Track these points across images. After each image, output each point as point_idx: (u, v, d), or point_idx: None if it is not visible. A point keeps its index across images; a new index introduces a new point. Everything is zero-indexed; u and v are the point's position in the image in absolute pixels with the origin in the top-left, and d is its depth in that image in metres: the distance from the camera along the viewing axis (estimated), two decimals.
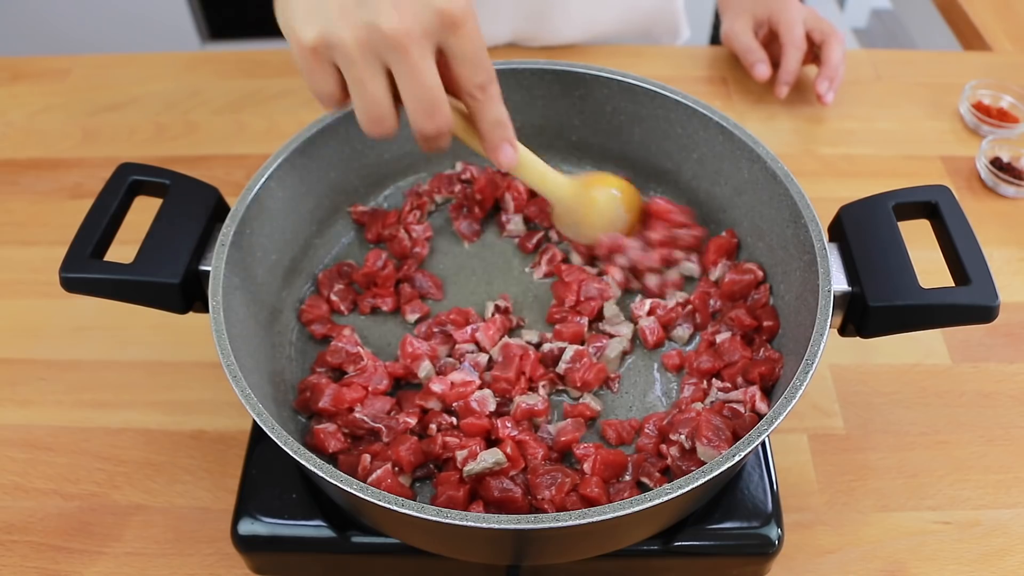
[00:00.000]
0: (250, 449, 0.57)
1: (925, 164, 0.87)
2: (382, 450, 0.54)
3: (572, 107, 0.68)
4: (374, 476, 0.52)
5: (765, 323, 0.59)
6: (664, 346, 0.61)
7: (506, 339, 0.60)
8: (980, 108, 0.90)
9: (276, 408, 0.55)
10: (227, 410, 0.66)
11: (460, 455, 0.52)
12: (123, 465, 0.64)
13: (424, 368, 0.58)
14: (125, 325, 0.72)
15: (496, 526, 0.42)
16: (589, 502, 0.51)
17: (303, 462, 0.44)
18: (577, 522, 0.42)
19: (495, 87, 0.50)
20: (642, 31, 1.05)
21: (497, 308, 0.63)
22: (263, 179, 0.58)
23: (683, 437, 0.52)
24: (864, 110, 0.92)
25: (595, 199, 0.62)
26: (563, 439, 0.55)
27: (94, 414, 0.67)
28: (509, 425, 0.55)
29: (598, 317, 0.62)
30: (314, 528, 0.53)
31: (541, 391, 0.58)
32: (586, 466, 0.53)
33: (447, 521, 0.42)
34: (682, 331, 0.61)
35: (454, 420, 0.56)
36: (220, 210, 0.57)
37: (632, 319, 0.62)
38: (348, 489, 0.43)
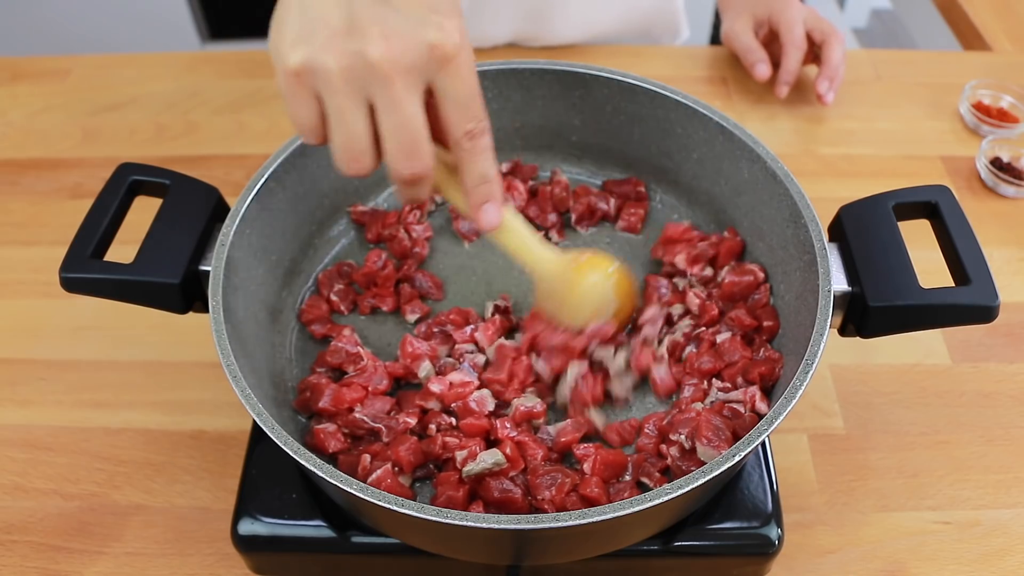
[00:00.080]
0: (250, 449, 0.57)
1: (925, 164, 0.87)
2: (382, 450, 0.54)
3: (572, 107, 0.68)
4: (374, 476, 0.52)
5: (765, 323, 0.59)
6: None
7: (501, 340, 0.59)
8: (980, 108, 0.90)
9: (276, 408, 0.55)
10: (227, 410, 0.66)
11: (460, 455, 0.52)
12: (123, 465, 0.64)
13: (424, 368, 0.58)
14: (125, 325, 0.72)
15: (496, 526, 0.42)
16: (589, 502, 0.51)
17: (303, 462, 0.44)
18: (577, 522, 0.42)
19: (487, 139, 0.46)
20: (642, 31, 1.05)
21: (497, 308, 0.63)
22: (263, 179, 0.58)
23: (683, 437, 0.52)
24: (864, 110, 0.92)
25: (582, 281, 0.57)
26: (563, 440, 0.55)
27: (94, 414, 0.67)
28: (508, 426, 0.55)
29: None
30: (314, 528, 0.53)
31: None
32: (586, 466, 0.53)
33: (447, 521, 0.42)
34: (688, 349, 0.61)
35: (453, 420, 0.56)
36: (220, 210, 0.57)
37: (636, 367, 0.59)
38: (348, 489, 0.43)
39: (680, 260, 0.64)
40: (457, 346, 0.60)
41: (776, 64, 0.91)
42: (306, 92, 0.43)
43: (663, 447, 0.54)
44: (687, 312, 0.62)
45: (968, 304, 0.50)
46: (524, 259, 0.55)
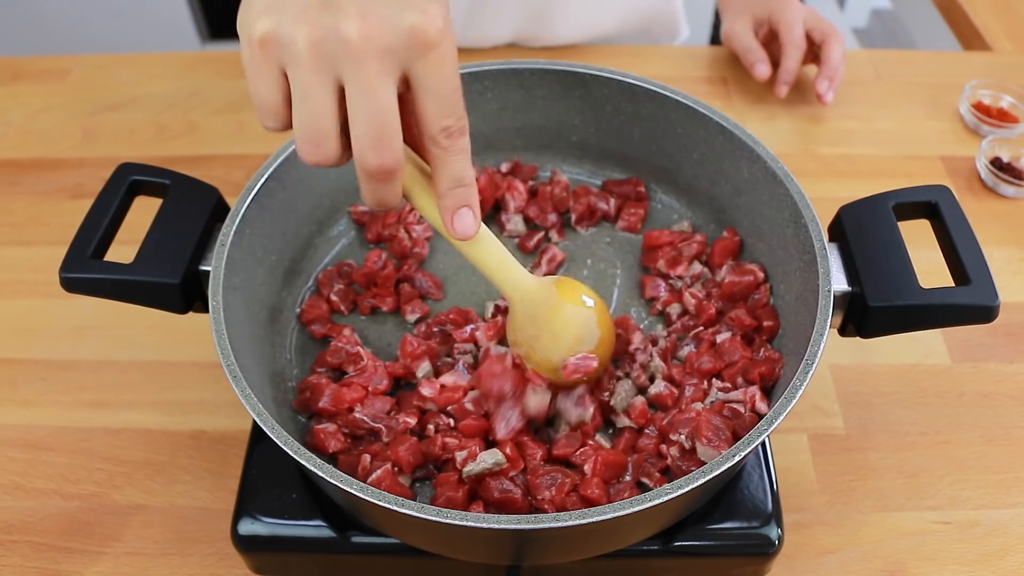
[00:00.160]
0: (250, 449, 0.57)
1: (925, 164, 0.87)
2: (382, 450, 0.54)
3: (572, 107, 0.68)
4: (374, 476, 0.52)
5: (765, 323, 0.59)
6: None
7: (493, 344, 0.59)
8: (980, 108, 0.90)
9: (276, 408, 0.55)
10: (227, 410, 0.66)
11: (460, 456, 0.52)
12: (123, 465, 0.64)
13: (423, 368, 0.58)
14: (125, 325, 0.72)
15: (496, 526, 0.42)
16: (589, 502, 0.51)
17: (303, 462, 0.44)
18: (577, 522, 0.42)
19: (464, 140, 0.43)
20: (642, 31, 1.05)
21: (497, 308, 0.63)
22: (263, 179, 0.58)
23: (683, 437, 0.52)
24: (864, 110, 0.92)
25: (566, 305, 0.51)
26: (559, 452, 0.54)
27: (94, 414, 0.67)
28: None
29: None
30: (314, 528, 0.53)
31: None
32: (586, 467, 0.53)
33: (447, 521, 0.42)
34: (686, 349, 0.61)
35: (452, 421, 0.56)
36: (220, 210, 0.57)
37: (636, 385, 0.59)
38: (348, 489, 0.43)
39: (661, 265, 0.64)
40: (457, 346, 0.60)
41: (776, 64, 0.91)
42: (270, 65, 0.40)
43: (663, 447, 0.54)
44: (685, 312, 0.62)
45: (968, 304, 0.50)
46: (501, 277, 0.50)
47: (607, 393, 0.57)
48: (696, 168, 0.66)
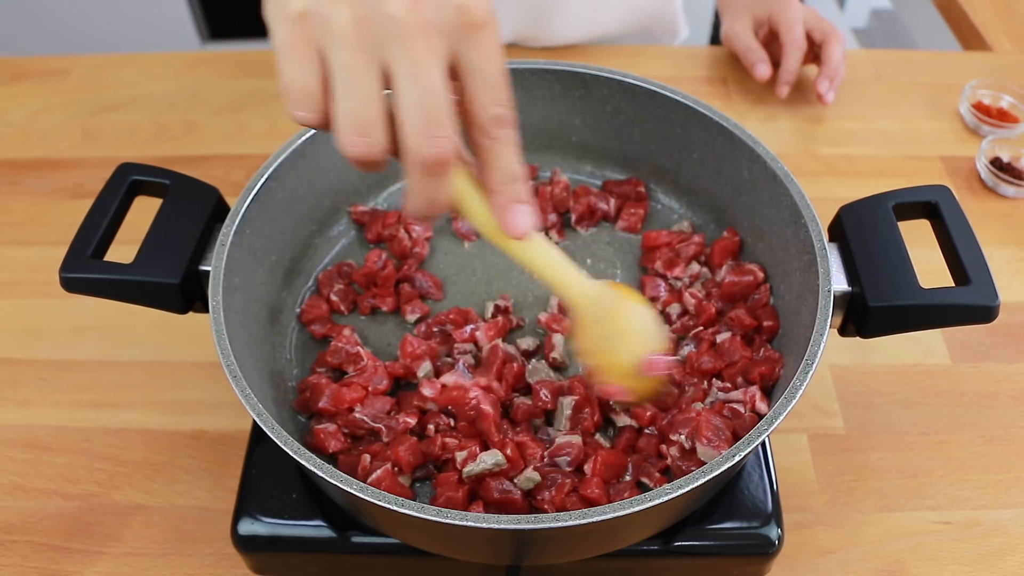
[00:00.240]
0: (250, 449, 0.57)
1: (925, 164, 0.87)
2: (382, 450, 0.54)
3: (572, 107, 0.68)
4: (374, 476, 0.52)
5: (765, 323, 0.59)
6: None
7: (498, 341, 0.59)
8: (980, 108, 0.90)
9: (276, 408, 0.55)
10: (227, 410, 0.66)
11: (460, 456, 0.52)
12: (123, 465, 0.64)
13: (424, 368, 0.58)
14: (125, 325, 0.72)
15: (496, 526, 0.42)
16: (589, 503, 0.51)
17: (303, 462, 0.44)
18: (577, 522, 0.42)
19: (513, 130, 0.39)
20: (642, 31, 1.05)
21: (497, 308, 0.63)
22: (263, 179, 0.58)
23: (683, 437, 0.52)
24: (864, 110, 0.92)
25: (629, 300, 0.48)
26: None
27: (94, 414, 0.67)
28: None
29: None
30: (314, 528, 0.53)
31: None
32: (586, 467, 0.53)
33: (447, 521, 0.42)
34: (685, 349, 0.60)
35: (451, 421, 0.56)
36: (220, 210, 0.57)
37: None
38: (348, 489, 0.43)
39: (659, 266, 0.64)
40: (457, 346, 0.60)
41: (776, 64, 0.91)
42: (307, 45, 0.36)
43: (663, 447, 0.54)
44: (685, 312, 0.62)
45: (968, 304, 0.50)
46: (559, 279, 0.46)
47: None
48: (696, 168, 0.66)
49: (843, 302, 0.53)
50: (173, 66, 0.98)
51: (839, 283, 0.53)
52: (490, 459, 0.51)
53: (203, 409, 0.66)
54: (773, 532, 0.53)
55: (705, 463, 0.45)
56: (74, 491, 0.62)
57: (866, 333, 0.53)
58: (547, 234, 0.69)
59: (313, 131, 0.61)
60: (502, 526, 0.42)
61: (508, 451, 0.52)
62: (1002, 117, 0.89)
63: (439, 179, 0.37)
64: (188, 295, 0.54)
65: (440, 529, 0.45)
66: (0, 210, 0.83)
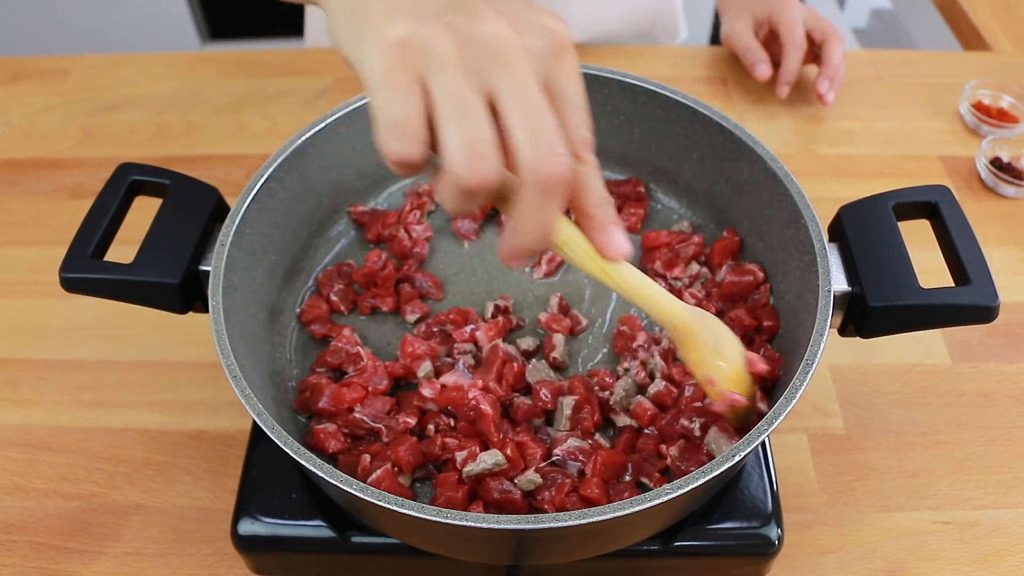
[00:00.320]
0: (250, 449, 0.57)
1: (925, 164, 0.87)
2: (382, 450, 0.54)
3: None
4: (374, 476, 0.52)
5: (765, 323, 0.59)
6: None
7: (498, 341, 0.59)
8: (980, 108, 0.90)
9: (276, 408, 0.55)
10: (227, 410, 0.66)
11: (460, 456, 0.52)
12: (123, 465, 0.64)
13: (424, 368, 0.58)
14: (125, 325, 0.72)
15: (496, 526, 0.42)
16: (589, 503, 0.51)
17: (303, 462, 0.44)
18: (577, 522, 0.42)
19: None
20: (642, 31, 1.05)
21: (497, 308, 0.63)
22: (263, 179, 0.58)
23: (696, 425, 0.52)
24: (864, 110, 0.92)
25: (712, 316, 0.49)
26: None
27: (94, 414, 0.67)
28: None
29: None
30: (314, 528, 0.53)
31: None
32: (586, 467, 0.53)
33: (447, 521, 0.42)
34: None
35: (451, 421, 0.56)
36: (220, 210, 0.57)
37: (636, 382, 0.59)
38: (348, 489, 0.43)
39: (658, 266, 0.64)
40: (457, 346, 0.60)
41: (776, 64, 0.91)
42: (409, 73, 0.34)
43: (663, 447, 0.54)
44: None
45: (968, 304, 0.50)
46: (654, 300, 0.46)
47: (607, 392, 0.57)
48: (696, 168, 0.66)
49: (843, 302, 0.53)
50: (173, 66, 0.98)
51: (839, 283, 0.53)
52: (490, 459, 0.51)
53: (203, 409, 0.66)
54: (773, 532, 0.53)
55: (711, 456, 0.45)
56: (74, 491, 0.62)
57: (866, 333, 0.53)
58: None
59: (313, 133, 0.61)
60: (502, 526, 0.42)
61: (508, 451, 0.52)
62: (1002, 117, 0.89)
63: (556, 201, 0.36)
64: (188, 295, 0.54)
65: (440, 529, 0.45)
66: (0, 210, 0.83)
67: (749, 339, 0.59)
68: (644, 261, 0.66)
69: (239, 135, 0.89)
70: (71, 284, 0.53)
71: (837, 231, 0.55)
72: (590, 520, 0.42)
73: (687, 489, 0.42)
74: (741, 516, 0.54)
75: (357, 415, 0.55)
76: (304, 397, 0.57)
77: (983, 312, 0.50)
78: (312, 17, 1.09)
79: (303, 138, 0.60)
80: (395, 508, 0.42)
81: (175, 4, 2.03)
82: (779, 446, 0.63)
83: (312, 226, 0.66)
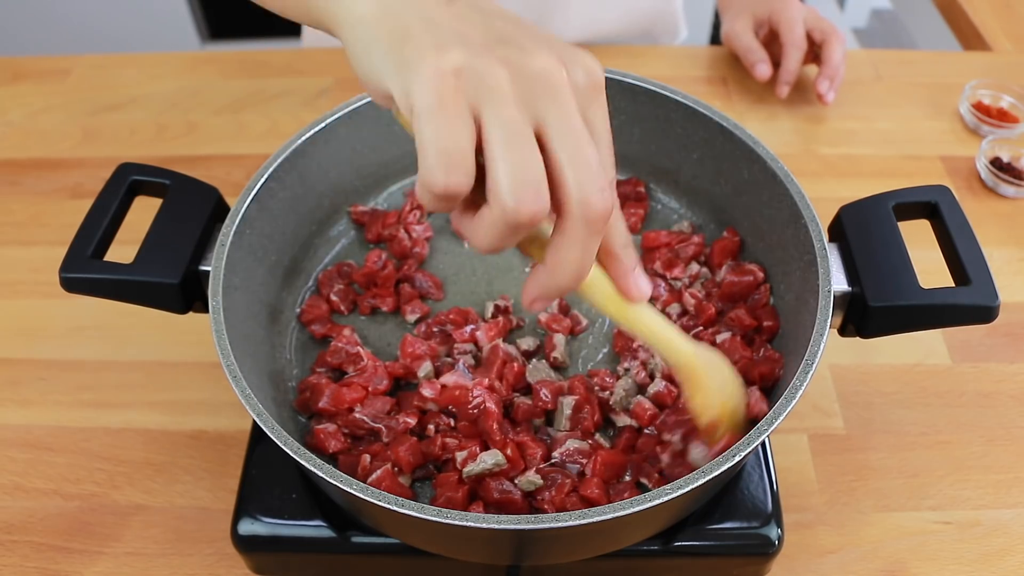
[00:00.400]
0: (250, 449, 0.57)
1: (925, 164, 0.87)
2: (382, 450, 0.54)
3: None
4: (374, 476, 0.52)
5: (765, 323, 0.59)
6: None
7: (498, 341, 0.59)
8: (980, 108, 0.90)
9: (276, 408, 0.55)
10: (227, 410, 0.66)
11: (460, 456, 0.52)
12: (123, 465, 0.64)
13: (424, 368, 0.58)
14: (125, 325, 0.72)
15: (496, 526, 0.42)
16: (589, 503, 0.51)
17: (303, 462, 0.44)
18: (577, 522, 0.42)
19: None
20: (642, 31, 1.05)
21: (497, 308, 0.63)
22: (263, 179, 0.58)
23: (676, 438, 0.52)
24: (864, 110, 0.92)
25: (718, 358, 0.50)
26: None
27: (94, 414, 0.67)
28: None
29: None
30: (314, 528, 0.53)
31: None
32: (586, 468, 0.53)
33: (447, 521, 0.42)
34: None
35: (451, 421, 0.56)
36: (220, 210, 0.57)
37: (637, 382, 0.59)
38: (348, 489, 0.43)
39: (658, 266, 0.64)
40: (457, 346, 0.60)
41: (776, 64, 0.91)
42: (462, 102, 0.34)
43: (658, 449, 0.54)
44: (685, 312, 0.62)
45: (968, 304, 0.50)
46: (670, 343, 0.46)
47: (607, 392, 0.57)
48: (696, 168, 0.66)
49: (843, 302, 0.53)
50: (173, 66, 0.98)
51: (839, 283, 0.53)
52: (490, 459, 0.51)
53: (203, 409, 0.66)
54: (773, 532, 0.53)
55: (695, 467, 0.45)
56: (74, 491, 0.62)
57: (866, 333, 0.53)
58: None
59: (313, 132, 0.61)
60: (502, 526, 0.42)
61: (508, 451, 0.52)
62: (1002, 117, 0.89)
63: (599, 237, 0.36)
64: (188, 295, 0.54)
65: (440, 529, 0.45)
66: (0, 210, 0.83)
67: (749, 339, 0.59)
68: (644, 261, 0.66)
69: (239, 135, 0.89)
70: (71, 284, 0.53)
71: (837, 231, 0.55)
72: (590, 520, 0.42)
73: (687, 489, 0.42)
74: (741, 516, 0.54)
75: (357, 415, 0.55)
76: (304, 397, 0.57)
77: (983, 312, 0.50)
78: None
79: (303, 138, 0.60)
80: (395, 508, 0.42)
81: (175, 4, 2.03)
82: (779, 446, 0.63)
83: (312, 226, 0.66)
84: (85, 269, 0.52)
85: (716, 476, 0.43)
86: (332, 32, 0.41)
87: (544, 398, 0.56)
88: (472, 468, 0.51)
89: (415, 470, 0.54)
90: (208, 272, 0.53)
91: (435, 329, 0.61)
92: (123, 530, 0.60)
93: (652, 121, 0.66)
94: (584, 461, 0.53)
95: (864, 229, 0.54)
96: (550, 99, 0.35)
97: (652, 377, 0.58)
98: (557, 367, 0.60)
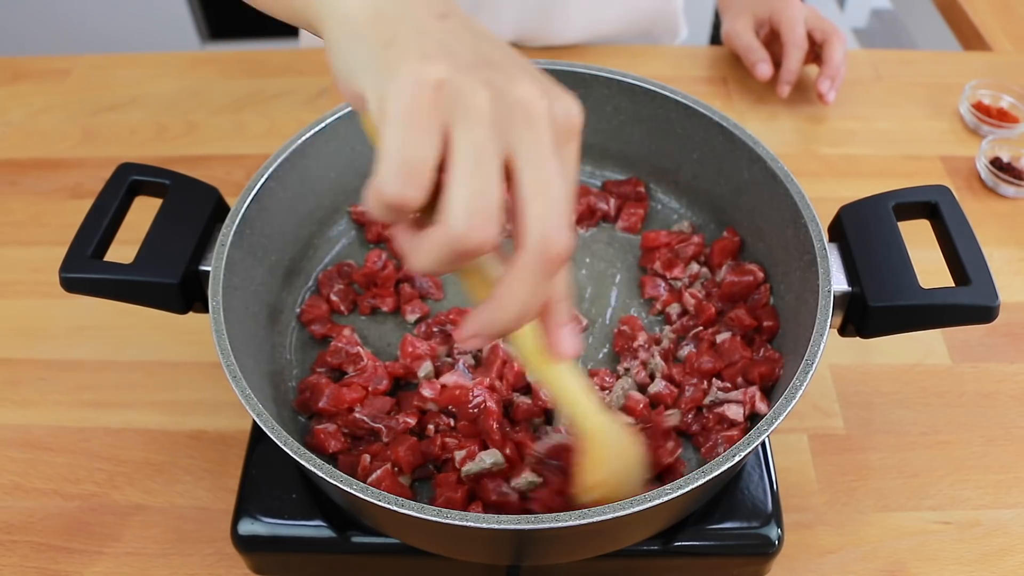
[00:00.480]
0: (250, 449, 0.57)
1: (925, 164, 0.87)
2: (381, 450, 0.54)
3: None
4: (374, 476, 0.52)
5: (765, 323, 0.59)
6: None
7: (498, 341, 0.59)
8: (980, 108, 0.90)
9: (276, 408, 0.55)
10: (227, 410, 0.66)
11: (459, 455, 0.52)
12: (123, 465, 0.64)
13: (425, 368, 0.58)
14: (125, 325, 0.72)
15: (496, 526, 0.42)
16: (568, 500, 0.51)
17: (303, 462, 0.44)
18: (577, 522, 0.42)
19: None
20: (642, 31, 1.05)
21: None
22: (263, 179, 0.58)
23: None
24: (864, 110, 0.92)
25: (633, 444, 0.48)
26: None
27: (94, 414, 0.67)
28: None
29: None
30: (314, 528, 0.53)
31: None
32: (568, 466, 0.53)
33: (447, 521, 0.42)
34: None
35: (451, 421, 0.56)
36: (220, 210, 0.57)
37: (637, 382, 0.59)
38: (348, 489, 0.43)
39: (658, 266, 0.64)
40: (457, 346, 0.60)
41: (777, 64, 0.91)
42: (437, 118, 0.33)
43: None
44: (685, 312, 0.62)
45: (968, 304, 0.50)
46: (584, 409, 0.45)
47: (607, 392, 0.57)
48: (696, 168, 0.66)
49: (843, 302, 0.53)
50: (173, 66, 0.98)
51: (839, 283, 0.53)
52: (489, 459, 0.51)
53: (203, 409, 0.66)
54: (773, 532, 0.53)
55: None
56: (74, 491, 0.62)
57: (866, 333, 0.53)
58: None
59: (313, 133, 0.61)
60: (502, 526, 0.42)
61: (507, 451, 0.52)
62: (1002, 117, 0.89)
63: (552, 278, 0.35)
64: (188, 295, 0.54)
65: (440, 529, 0.45)
66: (0, 210, 0.83)
67: (749, 339, 0.59)
68: (644, 261, 0.66)
69: (239, 135, 0.89)
70: (71, 284, 0.53)
71: (837, 231, 0.55)
72: (590, 520, 0.42)
73: (687, 489, 0.42)
74: (741, 516, 0.54)
75: (357, 415, 0.55)
76: (304, 397, 0.57)
77: (983, 312, 0.50)
78: None
79: (303, 138, 0.60)
80: (395, 508, 0.42)
81: (175, 4, 2.03)
82: (779, 446, 0.63)
83: (312, 226, 0.66)
84: (85, 269, 0.52)
85: (716, 476, 0.43)
86: (315, 28, 0.41)
87: (544, 397, 0.56)
88: (471, 467, 0.51)
89: (415, 470, 0.54)
90: (208, 272, 0.53)
91: (435, 329, 0.61)
92: (123, 530, 0.60)
93: (652, 121, 0.66)
94: (565, 458, 0.53)
95: (864, 229, 0.54)
96: (526, 128, 0.34)
97: (652, 377, 0.58)
98: None
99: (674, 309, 0.62)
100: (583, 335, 0.62)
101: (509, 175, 0.34)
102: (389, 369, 0.58)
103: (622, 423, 0.48)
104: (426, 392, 0.56)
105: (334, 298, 0.63)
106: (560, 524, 0.42)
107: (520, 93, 0.34)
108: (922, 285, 0.51)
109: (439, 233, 0.33)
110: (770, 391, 0.56)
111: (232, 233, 0.54)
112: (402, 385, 0.60)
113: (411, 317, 0.63)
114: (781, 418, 0.45)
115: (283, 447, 0.45)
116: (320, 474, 0.43)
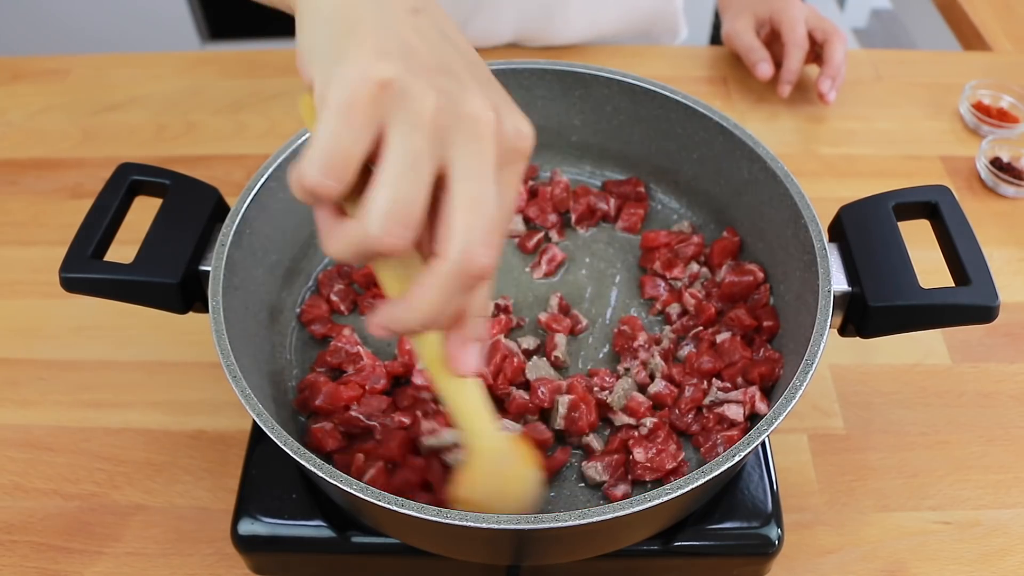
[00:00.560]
0: (250, 449, 0.57)
1: (925, 164, 0.87)
2: (374, 448, 0.54)
3: (572, 107, 0.68)
4: (368, 475, 0.52)
5: (765, 323, 0.59)
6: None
7: (499, 337, 0.59)
8: (980, 108, 0.90)
9: (276, 408, 0.55)
10: (227, 410, 0.66)
11: (424, 427, 0.52)
12: (123, 465, 0.64)
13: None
14: (125, 325, 0.72)
15: (496, 526, 0.42)
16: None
17: (303, 462, 0.44)
18: (577, 522, 0.42)
19: None
20: (642, 31, 1.05)
21: (497, 307, 0.63)
22: (263, 179, 0.58)
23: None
24: (864, 110, 0.92)
25: (530, 467, 0.48)
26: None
27: (94, 414, 0.67)
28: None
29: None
30: (314, 528, 0.53)
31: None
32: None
33: (447, 521, 0.42)
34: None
35: (437, 405, 0.56)
36: (220, 210, 0.57)
37: (637, 382, 0.59)
38: (348, 489, 0.43)
39: (658, 266, 0.64)
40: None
41: (778, 64, 0.91)
42: (374, 113, 0.33)
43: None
44: (684, 312, 0.62)
45: (968, 304, 0.50)
46: (477, 427, 0.44)
47: (607, 392, 0.57)
48: (696, 168, 0.66)
49: (843, 302, 0.53)
50: (173, 66, 0.98)
51: (839, 283, 0.53)
52: (451, 436, 0.51)
53: (203, 409, 0.66)
54: (773, 532, 0.53)
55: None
56: (74, 491, 0.62)
57: (866, 333, 0.53)
58: (547, 234, 0.69)
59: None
60: (502, 526, 0.42)
61: None
62: (1002, 117, 0.89)
63: (466, 295, 0.34)
64: (188, 295, 0.54)
65: (440, 529, 0.45)
66: (0, 210, 0.83)
67: (749, 339, 0.59)
68: (644, 261, 0.66)
69: (239, 135, 0.89)
70: (71, 284, 0.53)
71: (837, 231, 0.55)
72: (590, 520, 0.42)
73: (687, 489, 0.42)
74: (741, 516, 0.54)
75: (353, 413, 0.55)
76: (304, 396, 0.57)
77: (983, 312, 0.50)
78: None
79: (303, 138, 0.60)
80: (395, 508, 0.42)
81: (175, 4, 2.03)
82: (779, 446, 0.63)
83: (312, 226, 0.66)
84: (85, 269, 0.52)
85: (716, 476, 0.43)
86: (290, 6, 0.40)
87: (541, 395, 0.56)
88: (431, 441, 0.51)
89: None
90: (208, 272, 0.53)
91: None
92: (123, 530, 0.60)
93: (652, 121, 0.66)
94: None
95: (864, 229, 0.54)
96: (468, 142, 0.33)
97: (652, 377, 0.58)
98: (558, 367, 0.60)
99: (674, 309, 0.63)
100: (583, 335, 0.62)
101: (442, 185, 0.34)
102: (388, 368, 0.58)
103: (516, 447, 0.47)
104: (418, 381, 0.56)
105: (334, 298, 0.63)
106: (560, 524, 0.42)
107: (471, 105, 0.33)
108: (922, 285, 0.51)
109: (354, 229, 0.33)
110: (770, 391, 0.56)
111: (232, 233, 0.54)
112: (401, 383, 0.60)
113: None
114: (781, 418, 0.45)
115: (283, 447, 0.45)
116: (320, 474, 0.43)
